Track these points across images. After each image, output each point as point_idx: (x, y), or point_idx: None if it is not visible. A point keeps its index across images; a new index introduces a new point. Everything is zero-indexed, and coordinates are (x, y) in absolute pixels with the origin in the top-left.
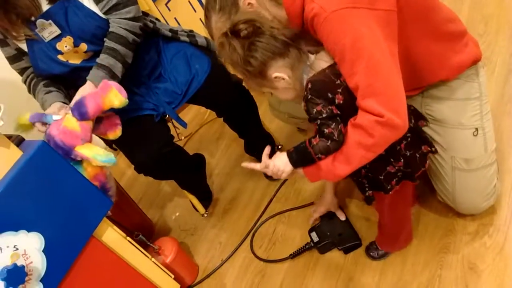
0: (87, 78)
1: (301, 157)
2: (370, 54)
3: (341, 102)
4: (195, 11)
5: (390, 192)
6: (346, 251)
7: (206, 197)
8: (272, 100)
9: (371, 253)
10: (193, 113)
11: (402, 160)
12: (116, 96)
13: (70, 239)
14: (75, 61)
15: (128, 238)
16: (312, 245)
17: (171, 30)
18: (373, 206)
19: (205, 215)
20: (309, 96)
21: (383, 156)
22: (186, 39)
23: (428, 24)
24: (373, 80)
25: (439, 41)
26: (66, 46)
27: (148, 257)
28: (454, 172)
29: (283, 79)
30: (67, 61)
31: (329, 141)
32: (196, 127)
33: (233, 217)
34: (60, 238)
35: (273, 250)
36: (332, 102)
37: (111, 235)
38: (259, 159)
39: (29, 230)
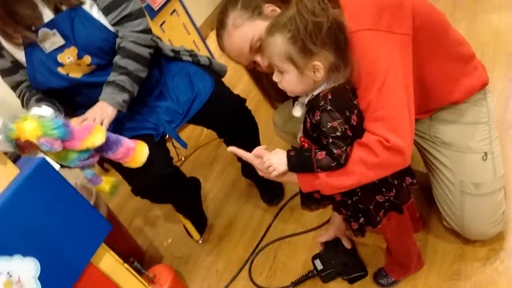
0: (99, 98)
1: (301, 165)
2: (384, 80)
3: (355, 124)
4: (188, 33)
5: (379, 226)
6: (351, 281)
7: (201, 222)
8: (278, 121)
9: (380, 281)
10: (186, 135)
11: (393, 190)
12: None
13: (67, 265)
14: (76, 74)
15: (126, 265)
16: (316, 273)
17: (173, 50)
18: (377, 231)
19: (200, 242)
20: (329, 107)
21: (375, 185)
22: (189, 58)
23: (441, 46)
24: (383, 104)
25: (451, 63)
26: (68, 58)
27: (145, 285)
28: (463, 196)
29: (317, 71)
30: (67, 74)
31: (335, 163)
32: (191, 150)
33: (230, 244)
34: (57, 264)
35: (274, 278)
36: (348, 121)
37: (108, 262)
38: (256, 182)
39: (24, 255)
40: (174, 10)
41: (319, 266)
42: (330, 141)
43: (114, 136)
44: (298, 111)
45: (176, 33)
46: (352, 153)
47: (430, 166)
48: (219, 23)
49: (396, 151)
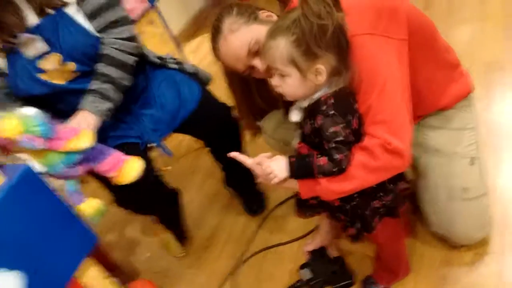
0: (80, 105)
1: (302, 171)
2: (384, 84)
3: (356, 128)
4: (165, 43)
5: (373, 232)
6: None
7: (182, 234)
8: (267, 127)
9: None
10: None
11: (390, 195)
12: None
13: (52, 278)
14: (59, 81)
15: (109, 279)
16: (304, 282)
17: (159, 58)
18: (368, 240)
19: (180, 255)
20: (332, 112)
21: (372, 189)
22: (175, 66)
23: (430, 52)
24: (384, 108)
25: (439, 69)
26: (51, 64)
27: None
28: (451, 201)
29: (320, 75)
30: (50, 80)
31: (336, 168)
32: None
33: (212, 255)
34: (42, 277)
35: None
36: (349, 126)
37: (92, 275)
38: (239, 192)
39: (10, 268)
40: (152, 20)
41: (307, 275)
42: (333, 145)
43: (102, 146)
44: (296, 116)
45: (152, 43)
46: (352, 158)
47: (418, 172)
48: (214, 29)
49: (397, 154)
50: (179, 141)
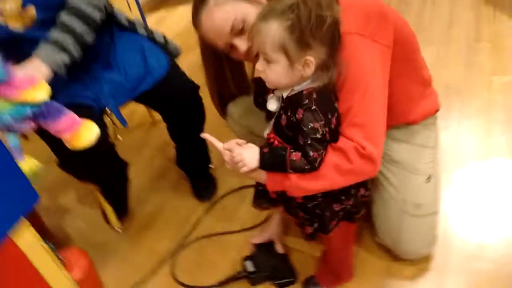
0: (34, 53)
1: (274, 164)
2: (367, 86)
3: (333, 127)
4: (130, 10)
5: (330, 234)
6: (280, 286)
7: (123, 209)
8: (234, 112)
9: None
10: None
11: (352, 200)
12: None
13: None
14: (16, 25)
15: (44, 244)
16: (245, 274)
17: (128, 21)
18: (319, 240)
19: (119, 230)
20: (313, 107)
21: (336, 192)
22: (144, 32)
23: (410, 65)
24: (364, 111)
25: (414, 84)
26: (8, 6)
27: (61, 268)
28: (403, 215)
29: (308, 67)
30: (6, 24)
31: (309, 166)
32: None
33: (152, 235)
34: None
35: (198, 275)
36: (329, 124)
37: (27, 237)
38: (189, 175)
39: None
40: None
41: (250, 267)
42: (308, 142)
43: (59, 104)
44: (273, 105)
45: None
46: (325, 157)
47: (374, 181)
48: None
49: (369, 159)
50: (131, 111)
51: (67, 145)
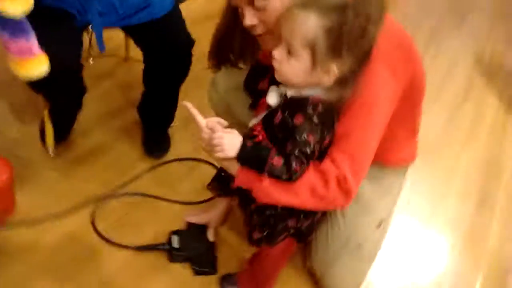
0: None
1: (252, 161)
2: (372, 119)
3: (325, 147)
4: None
5: (274, 246)
6: (198, 273)
7: (64, 135)
8: (220, 83)
9: (225, 286)
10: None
11: (309, 221)
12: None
13: None
14: None
15: None
16: (167, 248)
17: None
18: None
19: (51, 152)
20: (315, 119)
21: (298, 208)
22: None
23: (410, 112)
24: (359, 143)
25: (405, 129)
26: None
27: None
28: (342, 250)
29: (328, 76)
30: None
31: (287, 175)
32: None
33: (84, 173)
34: None
35: (118, 232)
36: (322, 142)
37: None
38: (146, 125)
39: None
40: None
41: (175, 244)
42: (296, 153)
43: (27, 23)
44: (273, 98)
45: None
46: (304, 174)
47: None
48: None
49: (346, 193)
50: (107, 37)
51: (10, 64)
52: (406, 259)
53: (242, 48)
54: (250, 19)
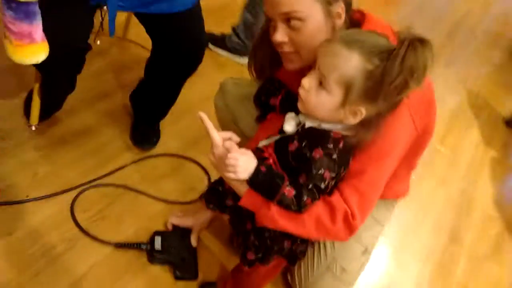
0: None
1: (264, 187)
2: (386, 161)
3: (337, 181)
4: None
5: (266, 265)
6: (177, 278)
7: (50, 111)
8: (229, 90)
9: None
10: None
11: (304, 245)
12: None
13: None
14: None
15: None
16: (149, 248)
17: None
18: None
19: (33, 128)
20: (334, 156)
21: None
22: None
23: (415, 153)
24: (371, 182)
25: (406, 168)
26: None
27: None
28: (326, 272)
29: (354, 116)
30: None
31: (297, 208)
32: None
33: (68, 156)
34: None
35: (98, 225)
36: (336, 178)
37: None
38: (137, 114)
39: None
40: None
41: (158, 245)
42: (310, 187)
43: (36, 8)
44: (290, 126)
45: None
46: (313, 206)
47: None
48: None
49: (351, 229)
50: (120, 22)
51: (4, 43)
52: (377, 286)
53: (265, 60)
54: (281, 35)
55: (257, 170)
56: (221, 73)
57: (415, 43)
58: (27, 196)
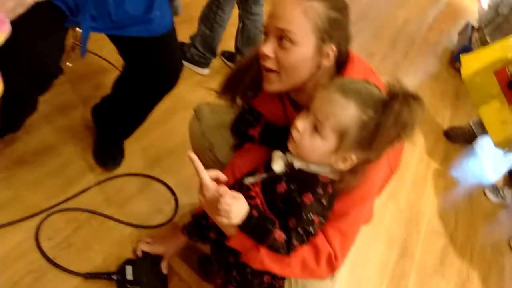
0: None
1: (255, 231)
2: (367, 203)
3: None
4: None
5: None
6: None
7: (8, 130)
8: (204, 116)
9: None
10: None
11: (284, 281)
12: None
13: None
14: None
15: None
16: (120, 279)
17: None
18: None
19: None
20: (324, 203)
21: None
22: None
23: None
24: (352, 223)
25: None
26: None
27: None
28: None
29: (345, 162)
30: None
31: (285, 251)
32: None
33: (28, 176)
34: None
35: (65, 254)
36: (325, 222)
37: None
38: (100, 132)
39: None
40: None
41: (129, 275)
42: (299, 231)
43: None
44: (279, 166)
45: None
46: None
47: None
48: None
49: (332, 269)
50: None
51: None
52: None
53: (250, 83)
54: (269, 49)
55: (249, 215)
56: (183, 85)
57: (409, 99)
58: None
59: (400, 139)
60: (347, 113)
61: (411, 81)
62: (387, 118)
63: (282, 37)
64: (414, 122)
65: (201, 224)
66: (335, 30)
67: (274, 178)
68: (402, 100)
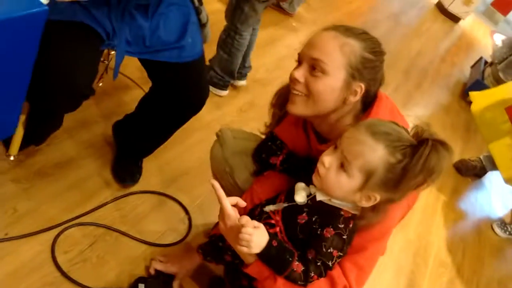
0: None
1: (274, 261)
2: (385, 239)
3: None
4: None
5: None
6: None
7: (32, 142)
8: (228, 141)
9: None
10: None
11: None
12: None
13: None
14: None
15: None
16: None
17: None
18: None
19: (12, 158)
20: (345, 237)
21: None
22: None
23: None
24: (370, 258)
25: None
26: None
27: None
28: None
29: (368, 201)
30: None
31: (303, 283)
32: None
33: (48, 189)
34: None
35: (80, 268)
36: (343, 256)
37: None
38: (120, 149)
39: None
40: None
41: None
42: (318, 263)
43: None
44: (301, 198)
45: None
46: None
47: None
48: (336, 25)
49: None
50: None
51: None
52: None
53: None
54: (300, 74)
55: (269, 245)
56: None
57: (437, 146)
58: (6, 235)
59: (426, 184)
60: (375, 154)
61: (422, 112)
62: (415, 163)
63: (315, 67)
64: (441, 168)
65: (217, 246)
66: (366, 70)
67: (295, 208)
68: (431, 146)
